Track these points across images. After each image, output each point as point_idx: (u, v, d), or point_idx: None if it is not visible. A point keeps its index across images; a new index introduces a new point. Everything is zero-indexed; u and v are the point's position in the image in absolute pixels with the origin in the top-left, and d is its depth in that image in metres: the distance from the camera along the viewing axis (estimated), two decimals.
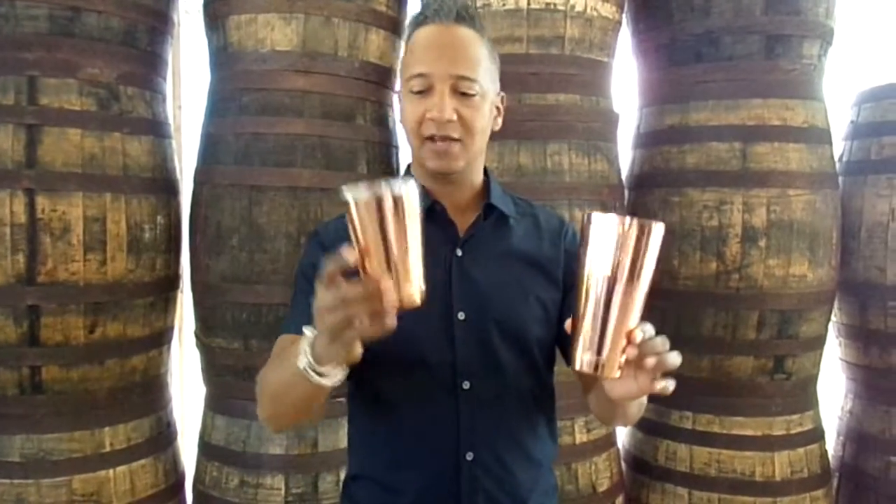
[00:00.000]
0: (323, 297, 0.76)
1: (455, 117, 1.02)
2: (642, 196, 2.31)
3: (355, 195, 0.75)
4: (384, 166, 2.05)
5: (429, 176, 1.10)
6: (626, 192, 2.32)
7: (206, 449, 2.08)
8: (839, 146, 2.43)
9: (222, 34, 1.99)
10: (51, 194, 1.78)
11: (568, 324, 0.85)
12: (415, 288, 0.78)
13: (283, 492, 1.95)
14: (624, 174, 2.31)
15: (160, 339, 2.07)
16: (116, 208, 1.86)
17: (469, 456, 1.05)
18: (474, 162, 1.10)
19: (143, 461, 1.98)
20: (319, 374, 0.84)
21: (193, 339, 2.14)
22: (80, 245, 1.80)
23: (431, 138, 1.04)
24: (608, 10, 2.07)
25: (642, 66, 2.41)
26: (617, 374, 0.83)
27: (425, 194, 1.09)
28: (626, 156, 2.43)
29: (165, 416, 2.12)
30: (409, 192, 0.76)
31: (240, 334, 1.95)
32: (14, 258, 1.76)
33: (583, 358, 0.83)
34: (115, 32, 1.88)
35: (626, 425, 2.11)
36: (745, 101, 2.15)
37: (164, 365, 2.13)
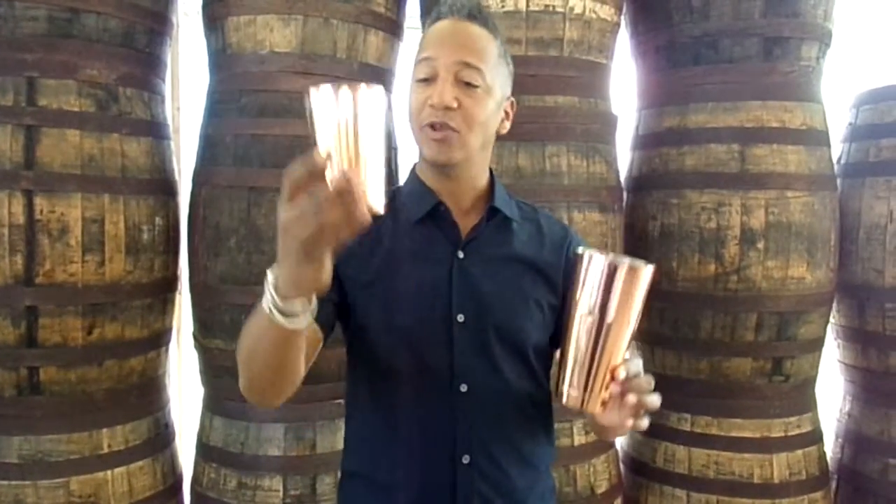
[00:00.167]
0: (291, 207, 0.70)
1: (455, 105, 1.01)
2: (641, 198, 2.32)
3: (318, 92, 0.71)
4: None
5: (431, 174, 1.09)
6: (625, 194, 2.32)
7: (204, 450, 2.07)
8: (837, 148, 2.43)
9: (221, 36, 1.99)
10: (49, 195, 1.77)
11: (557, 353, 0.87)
12: (378, 193, 0.73)
13: (280, 493, 1.95)
14: (623, 176, 2.31)
15: (158, 340, 2.07)
16: (115, 209, 1.86)
17: (465, 459, 1.05)
18: (474, 158, 1.08)
19: (141, 462, 1.98)
20: (285, 315, 0.79)
21: (192, 341, 2.14)
22: (78, 246, 1.80)
23: (431, 126, 1.02)
24: (607, 13, 2.07)
25: (641, 68, 2.41)
26: (599, 409, 0.88)
27: (430, 195, 1.09)
28: (624, 157, 2.43)
29: (163, 418, 2.12)
30: (373, 93, 0.71)
31: (238, 336, 1.95)
32: (12, 259, 1.76)
33: (568, 392, 0.88)
34: (114, 34, 1.88)
35: (623, 435, 2.12)
36: (743, 103, 2.15)
37: (163, 366, 2.13)
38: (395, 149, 2.17)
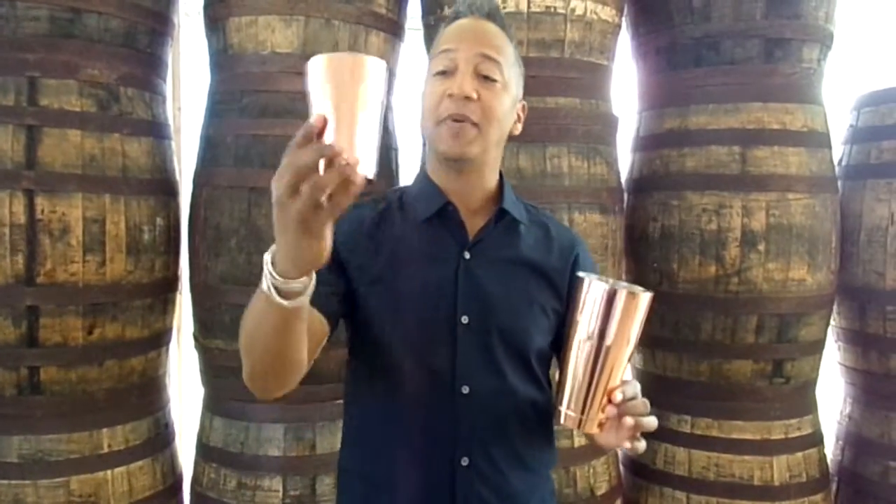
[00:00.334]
0: (285, 171, 0.67)
1: (476, 96, 1.00)
2: (641, 199, 2.32)
3: (316, 59, 0.69)
4: (383, 169, 2.05)
5: (442, 172, 1.09)
6: (626, 196, 2.32)
7: (204, 450, 2.07)
8: (838, 150, 2.43)
9: (222, 36, 1.99)
10: (50, 195, 1.78)
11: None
12: (370, 161, 0.71)
13: (280, 493, 1.95)
14: (623, 177, 2.31)
15: (159, 340, 2.07)
16: (116, 209, 1.86)
17: (465, 461, 1.05)
18: (488, 155, 1.07)
19: (141, 462, 1.98)
20: (284, 295, 0.77)
21: (192, 341, 2.14)
22: (79, 246, 1.80)
23: (449, 119, 1.01)
24: (608, 14, 2.07)
25: (642, 70, 2.41)
26: (597, 430, 0.92)
27: (439, 194, 1.08)
28: (625, 159, 2.43)
29: (163, 418, 2.12)
30: (372, 62, 0.69)
31: (238, 336, 1.95)
32: (13, 259, 1.76)
33: (566, 414, 0.91)
34: (115, 34, 1.88)
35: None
36: (744, 104, 2.15)
37: (163, 366, 2.13)
38: (396, 150, 2.17)
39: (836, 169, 2.32)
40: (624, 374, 0.92)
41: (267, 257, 0.77)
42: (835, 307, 2.35)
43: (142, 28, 1.95)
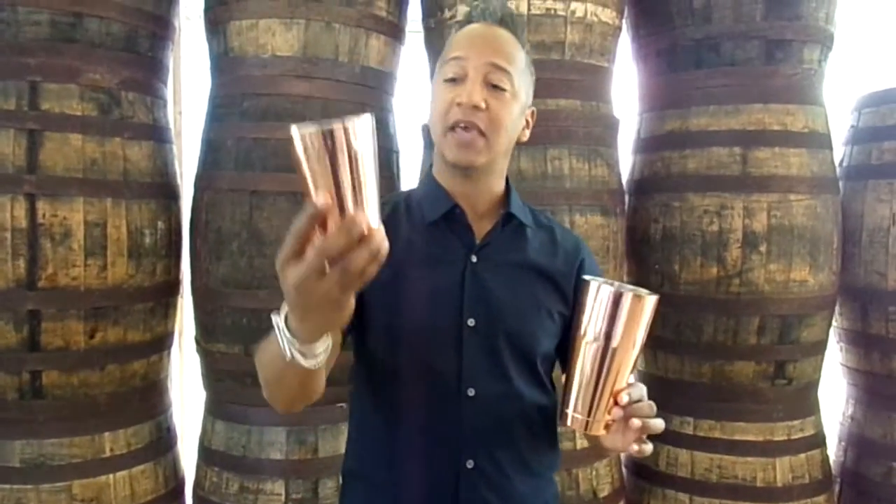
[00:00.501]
0: (298, 265, 0.65)
1: (484, 105, 1.01)
2: (643, 201, 2.31)
3: (303, 130, 0.66)
4: (385, 171, 2.05)
5: (449, 176, 1.09)
6: (627, 197, 2.32)
7: (206, 454, 2.07)
8: (840, 151, 2.43)
9: (223, 39, 1.99)
10: (52, 199, 1.78)
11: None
12: (376, 219, 0.69)
13: (283, 497, 1.95)
14: (624, 179, 2.31)
15: (160, 344, 2.07)
16: (117, 213, 1.86)
17: (469, 464, 1.05)
18: (495, 164, 1.08)
19: (142, 466, 1.98)
20: (308, 357, 0.77)
21: (194, 344, 2.14)
22: (80, 250, 1.80)
23: (457, 127, 1.02)
24: (608, 16, 2.07)
25: (643, 72, 2.41)
26: (603, 432, 0.93)
27: (446, 197, 1.08)
28: (626, 161, 2.43)
29: (165, 422, 2.12)
30: (362, 124, 0.67)
31: (240, 339, 1.95)
32: (15, 263, 1.76)
33: (573, 416, 0.92)
34: (116, 38, 1.89)
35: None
36: (745, 106, 2.15)
37: (165, 370, 2.13)
38: (397, 152, 2.17)
39: (838, 170, 2.32)
40: (630, 378, 0.93)
41: (279, 323, 0.76)
42: (837, 308, 2.35)
43: (143, 32, 1.95)
